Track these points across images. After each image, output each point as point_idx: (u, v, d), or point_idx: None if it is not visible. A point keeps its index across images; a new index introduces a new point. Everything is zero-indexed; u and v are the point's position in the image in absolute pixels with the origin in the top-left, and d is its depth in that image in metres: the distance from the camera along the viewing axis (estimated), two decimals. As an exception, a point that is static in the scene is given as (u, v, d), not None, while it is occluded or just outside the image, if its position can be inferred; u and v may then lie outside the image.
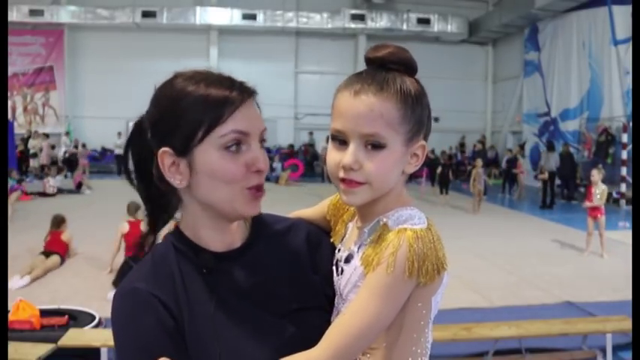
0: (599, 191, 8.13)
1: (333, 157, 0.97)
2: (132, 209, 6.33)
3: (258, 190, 1.00)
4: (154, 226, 1.08)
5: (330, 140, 0.99)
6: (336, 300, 1.05)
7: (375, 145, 0.94)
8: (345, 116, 0.95)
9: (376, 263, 0.91)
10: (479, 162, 12.96)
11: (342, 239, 1.09)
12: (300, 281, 1.07)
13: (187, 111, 0.96)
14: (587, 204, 8.26)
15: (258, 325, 0.99)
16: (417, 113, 0.96)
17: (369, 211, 1.00)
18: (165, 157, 0.98)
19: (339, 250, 1.07)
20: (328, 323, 1.04)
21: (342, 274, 1.01)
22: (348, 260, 1.01)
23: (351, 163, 0.93)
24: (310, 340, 0.95)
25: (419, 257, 0.89)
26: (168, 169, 0.99)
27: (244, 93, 0.99)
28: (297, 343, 0.95)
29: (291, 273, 1.07)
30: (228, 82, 0.99)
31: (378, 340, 0.95)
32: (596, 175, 8.20)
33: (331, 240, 1.14)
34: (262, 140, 1.02)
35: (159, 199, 1.06)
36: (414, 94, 0.96)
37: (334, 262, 1.06)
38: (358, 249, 0.99)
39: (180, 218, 1.07)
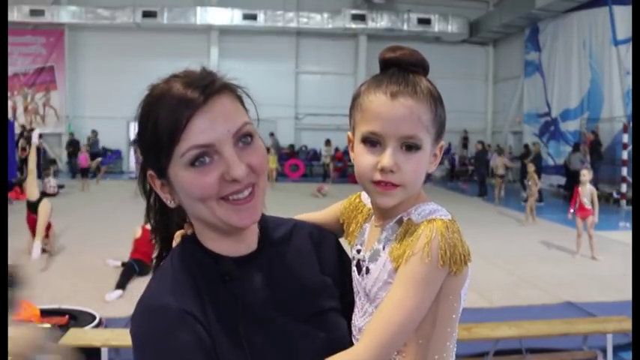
0: (588, 193, 7.92)
1: (367, 159, 0.96)
2: None
3: (238, 197, 0.93)
4: (165, 241, 1.08)
5: (359, 142, 0.98)
6: (358, 301, 1.05)
7: (410, 146, 0.95)
8: (383, 118, 0.94)
9: (409, 255, 0.92)
10: (530, 166, 11.42)
11: (359, 240, 1.09)
12: (314, 284, 1.06)
13: (148, 136, 0.93)
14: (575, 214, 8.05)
15: (284, 331, 0.98)
16: (441, 114, 0.99)
17: (390, 209, 1.00)
18: (153, 179, 0.98)
19: (358, 252, 1.06)
20: (346, 324, 1.05)
21: (367, 273, 1.01)
22: (373, 259, 1.01)
23: (391, 165, 0.94)
24: (336, 342, 0.94)
25: (450, 246, 0.91)
26: (161, 189, 0.98)
27: (200, 96, 0.90)
28: (325, 346, 0.95)
29: (304, 276, 1.06)
30: (186, 87, 0.91)
31: (414, 337, 0.95)
32: (587, 175, 7.97)
33: (345, 241, 1.15)
34: (245, 135, 0.94)
35: (162, 216, 1.06)
36: (437, 96, 0.99)
37: (355, 263, 1.06)
38: (384, 247, 0.99)
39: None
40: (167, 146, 0.91)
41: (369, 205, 1.12)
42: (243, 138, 0.94)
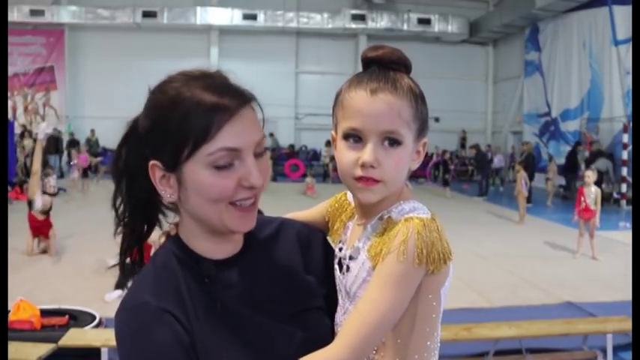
0: (593, 195, 7.94)
1: (349, 155, 0.97)
2: None
3: (244, 204, 0.96)
4: (138, 235, 1.07)
5: (341, 139, 0.99)
6: (340, 299, 1.05)
7: (392, 141, 0.95)
8: (363, 114, 0.95)
9: (385, 253, 0.92)
10: (517, 166, 12.05)
11: (342, 238, 1.09)
12: (297, 283, 1.07)
13: (174, 126, 0.92)
14: (579, 215, 8.02)
15: (263, 332, 0.98)
16: (423, 111, 1.00)
17: (371, 207, 1.01)
18: (155, 169, 0.97)
19: (340, 249, 1.07)
20: (330, 323, 1.05)
21: (348, 271, 1.02)
22: (353, 257, 1.01)
23: (372, 160, 0.94)
24: (316, 341, 0.94)
25: (427, 245, 0.90)
26: (159, 181, 0.98)
27: (236, 102, 0.93)
28: (303, 346, 0.95)
29: (287, 276, 1.07)
30: (221, 91, 0.94)
31: (391, 337, 0.96)
32: (592, 176, 7.99)
33: (329, 239, 1.15)
34: (260, 151, 0.97)
35: (142, 208, 1.05)
36: (419, 93, 0.99)
37: (337, 261, 1.06)
38: (363, 245, 1.00)
39: (178, 223, 1.04)
40: (195, 142, 0.91)
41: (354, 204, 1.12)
42: (259, 150, 0.97)
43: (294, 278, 1.07)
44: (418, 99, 0.98)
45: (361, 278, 0.98)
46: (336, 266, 1.06)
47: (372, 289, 0.93)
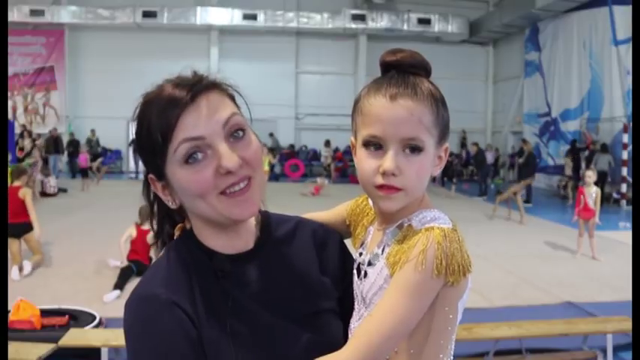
0: (593, 194, 7.93)
1: (369, 163, 0.95)
2: (143, 214, 5.94)
3: (233, 190, 0.94)
4: (161, 236, 1.09)
5: (361, 146, 0.97)
6: (356, 304, 1.04)
7: (413, 148, 0.93)
8: (383, 121, 0.93)
9: (404, 262, 0.90)
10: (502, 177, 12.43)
11: (363, 243, 1.08)
12: (311, 284, 1.06)
13: (144, 137, 0.96)
14: (578, 215, 8.03)
15: (273, 331, 0.97)
16: (444, 116, 0.98)
17: (392, 213, 0.99)
18: (154, 182, 1.00)
19: (360, 254, 1.06)
20: (341, 327, 1.04)
21: (365, 277, 1.00)
22: (372, 263, 1.00)
23: (393, 168, 0.92)
24: (326, 344, 0.94)
25: (447, 256, 0.88)
26: (162, 192, 1.00)
27: (188, 93, 0.93)
28: (313, 348, 0.94)
29: (302, 275, 1.06)
30: (175, 86, 0.94)
31: (404, 346, 0.94)
32: (592, 176, 7.98)
33: (351, 244, 1.14)
34: (237, 130, 0.95)
35: (170, 216, 1.07)
36: (440, 97, 0.97)
37: (356, 266, 1.05)
38: (382, 251, 0.98)
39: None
40: (161, 146, 0.93)
41: None
42: (235, 133, 0.95)
43: (308, 279, 1.06)
44: (439, 103, 0.96)
45: (378, 285, 0.97)
46: (355, 271, 1.05)
47: (388, 298, 0.91)
